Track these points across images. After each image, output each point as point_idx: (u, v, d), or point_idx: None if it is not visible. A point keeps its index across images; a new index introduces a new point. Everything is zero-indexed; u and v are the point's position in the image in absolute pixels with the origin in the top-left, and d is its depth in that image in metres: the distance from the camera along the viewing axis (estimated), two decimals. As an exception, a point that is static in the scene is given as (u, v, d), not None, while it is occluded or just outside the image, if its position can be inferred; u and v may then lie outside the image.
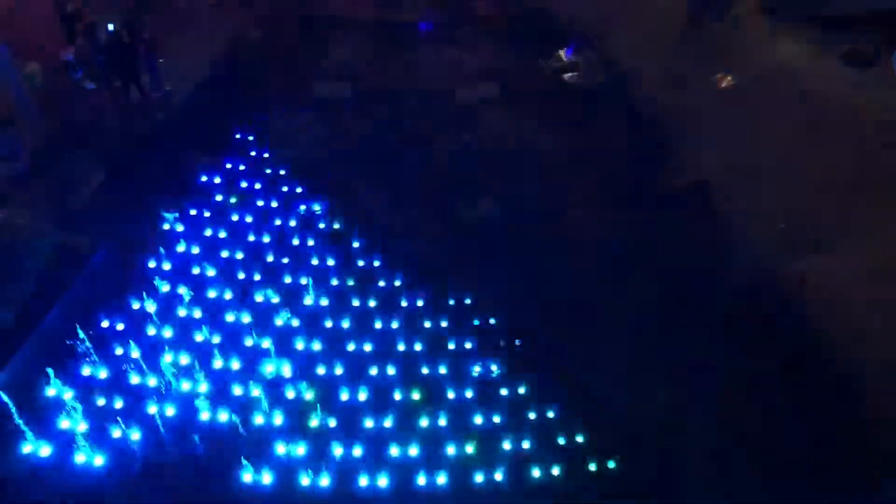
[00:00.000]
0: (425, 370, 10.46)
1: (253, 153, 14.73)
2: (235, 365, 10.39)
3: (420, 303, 11.55)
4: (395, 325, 11.14)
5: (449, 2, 19.83)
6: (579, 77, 17.07)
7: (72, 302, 10.93)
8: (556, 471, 9.34)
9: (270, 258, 12.30)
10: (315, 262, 12.13)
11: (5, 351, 10.01)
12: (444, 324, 11.20)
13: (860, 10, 17.18)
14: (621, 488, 9.27)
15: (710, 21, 18.31)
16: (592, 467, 9.42)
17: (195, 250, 12.30)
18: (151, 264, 11.81)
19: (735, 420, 10.04)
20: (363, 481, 9.11)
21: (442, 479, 9.14)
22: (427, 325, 11.18)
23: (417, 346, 10.81)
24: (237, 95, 16.35)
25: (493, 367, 10.45)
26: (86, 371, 10.15)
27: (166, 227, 12.57)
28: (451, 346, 10.84)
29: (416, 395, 10.10)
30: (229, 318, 11.07)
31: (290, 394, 10.01)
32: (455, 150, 14.92)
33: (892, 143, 13.24)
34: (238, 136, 15.15)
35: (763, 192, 13.45)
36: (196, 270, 11.85)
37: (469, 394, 10.16)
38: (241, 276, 11.82)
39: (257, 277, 11.80)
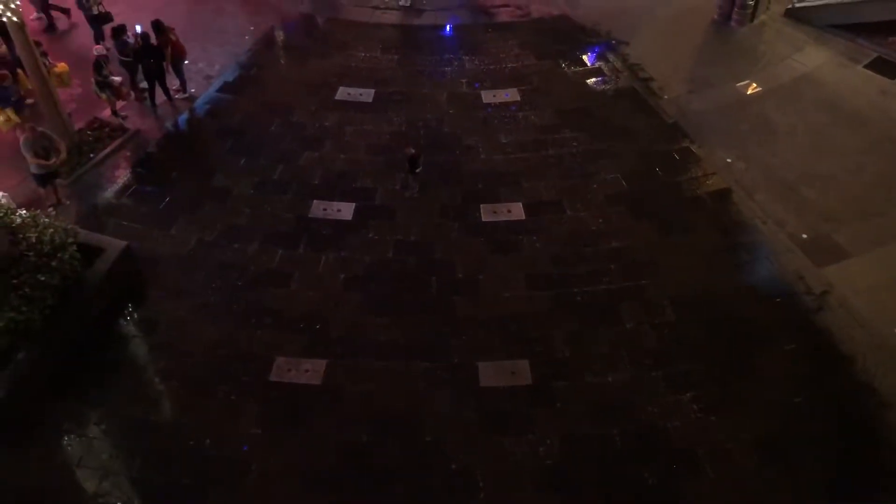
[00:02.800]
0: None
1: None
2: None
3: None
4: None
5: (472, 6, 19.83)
6: (603, 82, 16.97)
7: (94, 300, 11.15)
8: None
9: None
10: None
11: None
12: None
13: (889, 16, 17.00)
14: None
15: (735, 27, 18.18)
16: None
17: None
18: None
19: (753, 426, 9.94)
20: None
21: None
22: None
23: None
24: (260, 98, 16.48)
25: None
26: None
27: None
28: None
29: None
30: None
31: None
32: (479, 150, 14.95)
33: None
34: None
35: (786, 199, 13.31)
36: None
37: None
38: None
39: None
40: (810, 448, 9.69)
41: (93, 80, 15.11)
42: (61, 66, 15.47)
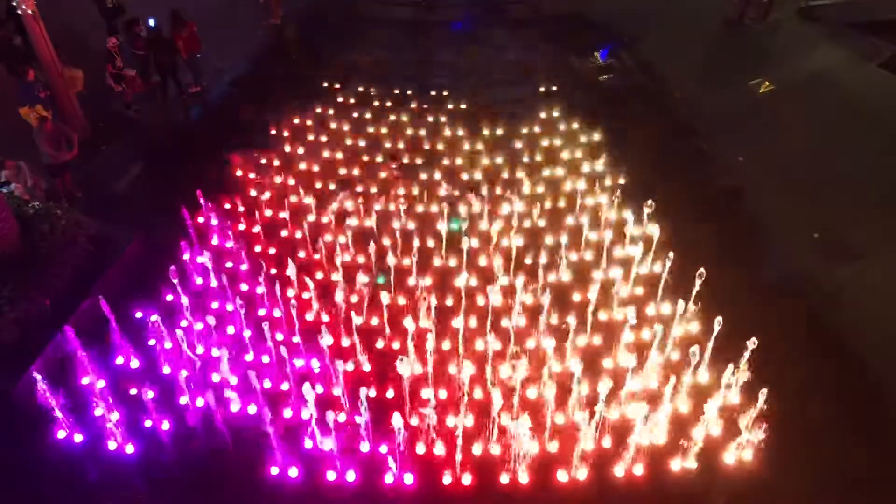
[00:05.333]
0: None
1: (288, 149, 14.89)
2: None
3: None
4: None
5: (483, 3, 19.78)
6: (614, 79, 16.91)
7: (104, 292, 11.15)
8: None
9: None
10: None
11: (41, 339, 10.27)
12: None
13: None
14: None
15: (748, 25, 18.11)
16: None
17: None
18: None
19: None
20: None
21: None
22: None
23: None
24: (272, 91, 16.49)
25: None
26: (118, 360, 10.40)
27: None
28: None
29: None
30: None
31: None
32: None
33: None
34: (273, 132, 15.35)
35: (799, 199, 13.24)
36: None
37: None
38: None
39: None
40: (820, 447, 9.65)
41: (107, 72, 15.17)
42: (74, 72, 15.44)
